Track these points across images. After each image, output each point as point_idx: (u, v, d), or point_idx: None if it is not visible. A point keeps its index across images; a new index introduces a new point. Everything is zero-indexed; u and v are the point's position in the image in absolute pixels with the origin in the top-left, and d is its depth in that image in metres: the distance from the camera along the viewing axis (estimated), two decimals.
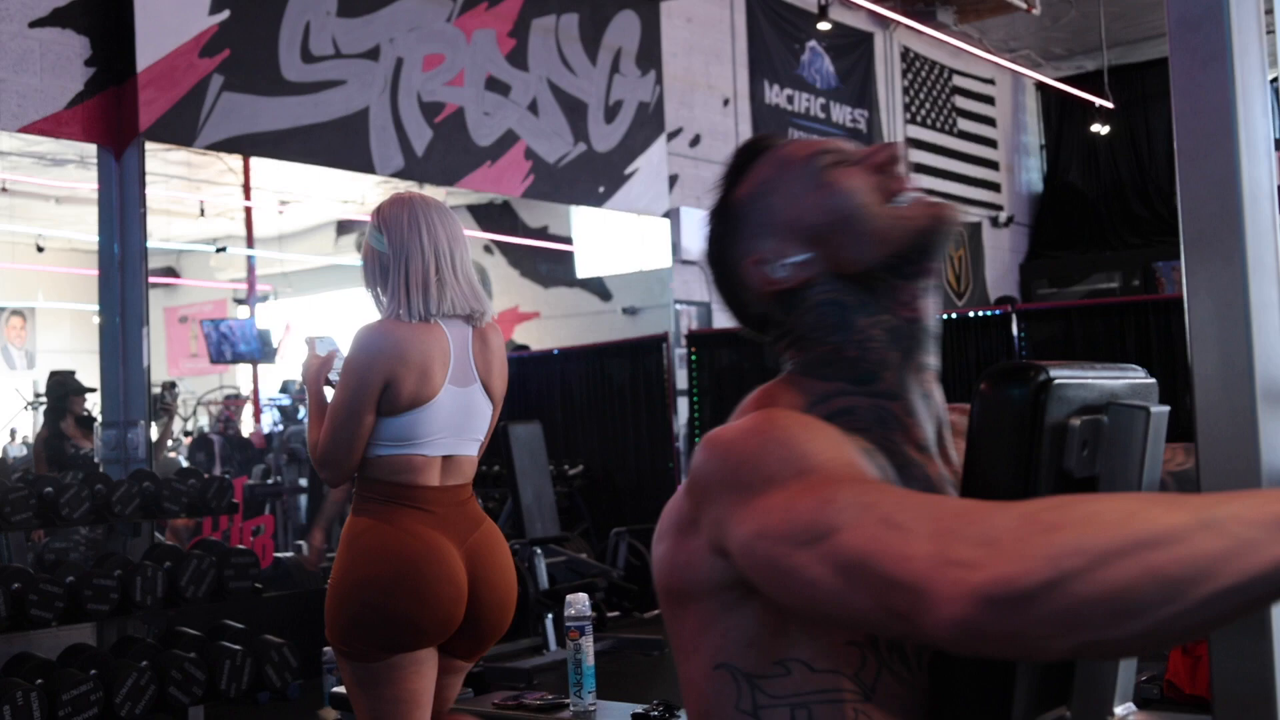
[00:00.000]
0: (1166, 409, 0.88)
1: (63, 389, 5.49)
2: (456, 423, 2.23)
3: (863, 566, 0.72)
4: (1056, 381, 0.82)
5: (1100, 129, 10.96)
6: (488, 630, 2.24)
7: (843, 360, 0.95)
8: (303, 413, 7.94)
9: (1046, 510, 0.67)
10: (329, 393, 2.33)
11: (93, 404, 5.54)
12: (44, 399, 6.18)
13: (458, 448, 2.24)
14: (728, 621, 0.89)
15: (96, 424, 5.25)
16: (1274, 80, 0.83)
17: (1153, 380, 0.93)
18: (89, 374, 5.60)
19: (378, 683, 2.13)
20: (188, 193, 9.04)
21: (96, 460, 5.08)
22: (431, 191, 7.39)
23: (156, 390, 5.58)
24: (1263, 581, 0.61)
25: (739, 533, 0.81)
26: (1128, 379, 0.90)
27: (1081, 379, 0.85)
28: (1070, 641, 0.65)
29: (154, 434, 5.32)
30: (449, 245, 2.22)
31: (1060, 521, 0.66)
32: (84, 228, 7.64)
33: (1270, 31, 0.80)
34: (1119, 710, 0.94)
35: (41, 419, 6.20)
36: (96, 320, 5.26)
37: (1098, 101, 10.69)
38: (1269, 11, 0.80)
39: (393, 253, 2.18)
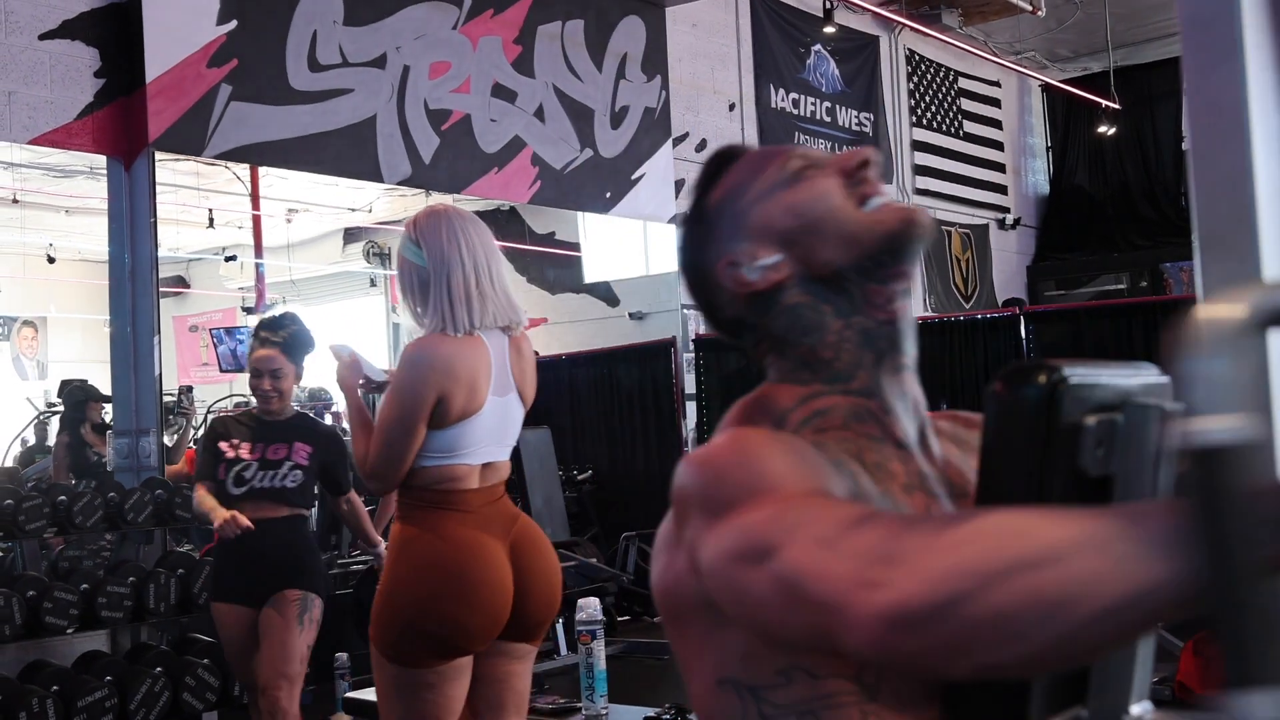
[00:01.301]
0: (1182, 407, 0.88)
1: (82, 394, 5.52)
2: (497, 431, 2.31)
3: (797, 585, 0.73)
4: (1071, 381, 0.82)
5: (1106, 130, 10.94)
6: (544, 610, 2.34)
7: (818, 361, 0.96)
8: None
9: (956, 528, 0.67)
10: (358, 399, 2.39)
11: (105, 413, 5.56)
12: (57, 408, 6.20)
13: (496, 454, 2.32)
14: (723, 636, 0.89)
15: (109, 432, 5.28)
16: None
17: (1167, 379, 0.93)
18: (100, 383, 5.63)
19: (421, 687, 2.19)
20: (196, 202, 9.07)
21: (109, 468, 5.10)
22: (438, 199, 7.42)
23: (171, 397, 5.59)
24: (1132, 605, 0.59)
25: (704, 554, 0.83)
26: (1142, 377, 0.90)
27: (1095, 378, 0.85)
28: (967, 663, 0.64)
29: (169, 440, 5.33)
30: (486, 257, 2.27)
31: (964, 539, 0.66)
32: (94, 238, 7.67)
33: None
34: (1135, 710, 0.94)
35: (56, 427, 6.23)
36: (108, 330, 5.28)
37: (1104, 103, 10.67)
38: None
39: (432, 267, 2.22)
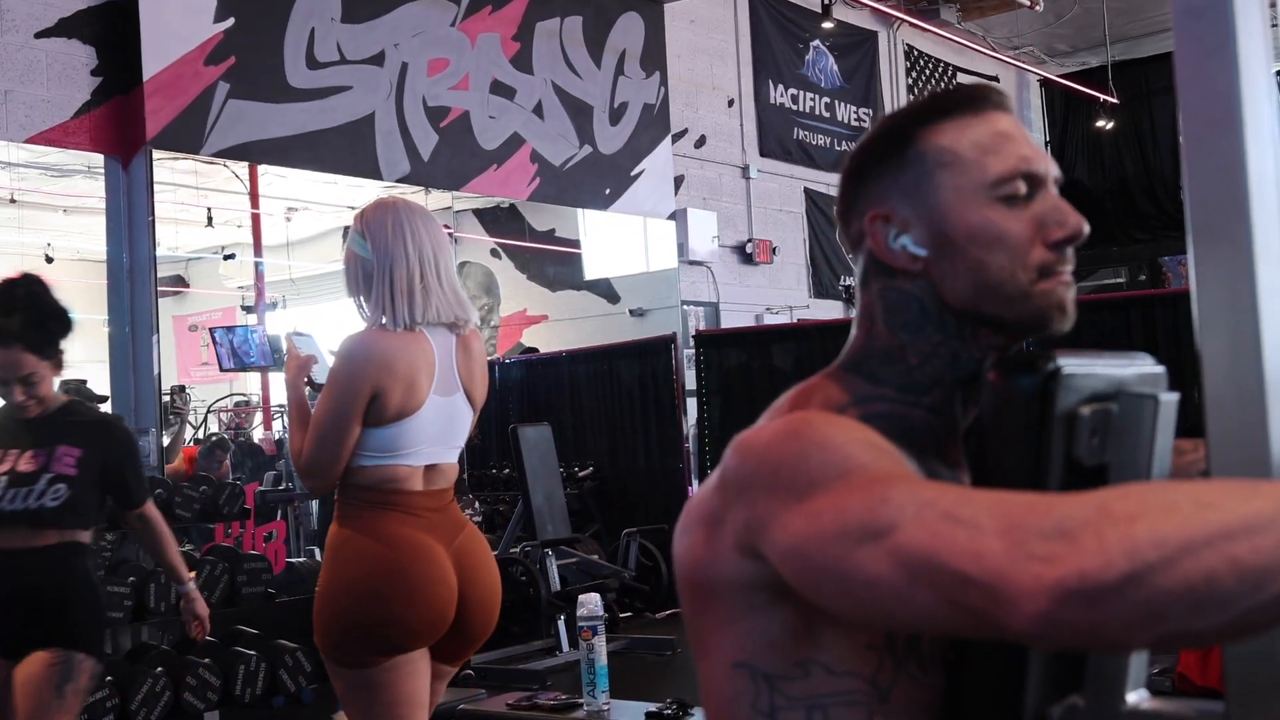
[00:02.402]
0: (1176, 396, 0.89)
1: (79, 397, 5.54)
2: (440, 432, 2.21)
3: (929, 563, 0.71)
4: (1065, 370, 0.82)
5: (1105, 125, 10.94)
6: (476, 631, 2.24)
7: (901, 362, 0.94)
8: None
9: (1120, 500, 0.67)
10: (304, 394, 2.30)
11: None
12: None
13: (441, 456, 2.22)
14: (752, 622, 0.88)
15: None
16: (1278, 71, 0.83)
17: (1162, 368, 0.93)
18: (99, 383, 5.63)
19: (374, 688, 2.11)
20: (195, 201, 9.07)
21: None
22: (438, 196, 7.42)
23: (168, 397, 5.60)
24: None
25: (782, 538, 0.80)
26: (1136, 368, 0.91)
27: (1090, 368, 0.85)
28: (1152, 633, 0.64)
29: (166, 439, 5.33)
30: (433, 251, 2.19)
31: (1136, 512, 0.65)
32: (92, 238, 7.67)
33: (1275, 24, 0.80)
34: (1132, 698, 0.95)
35: None
36: (106, 329, 5.28)
37: (1102, 97, 10.67)
38: (1272, 4, 0.80)
39: (377, 259, 2.15)
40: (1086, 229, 0.91)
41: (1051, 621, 0.65)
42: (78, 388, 5.66)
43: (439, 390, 2.19)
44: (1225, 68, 0.74)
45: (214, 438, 7.77)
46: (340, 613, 2.11)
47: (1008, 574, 0.67)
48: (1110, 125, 10.93)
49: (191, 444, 8.07)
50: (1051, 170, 0.94)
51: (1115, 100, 10.76)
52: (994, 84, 0.97)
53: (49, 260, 9.87)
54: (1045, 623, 0.66)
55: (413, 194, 8.01)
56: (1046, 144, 12.31)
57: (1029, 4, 9.50)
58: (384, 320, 2.15)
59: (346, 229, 2.40)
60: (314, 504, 7.02)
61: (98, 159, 5.26)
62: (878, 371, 0.95)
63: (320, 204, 9.52)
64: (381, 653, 2.10)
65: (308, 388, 2.33)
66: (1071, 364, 0.83)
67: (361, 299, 2.20)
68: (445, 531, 2.19)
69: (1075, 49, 11.45)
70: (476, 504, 6.31)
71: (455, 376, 2.23)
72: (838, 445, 0.82)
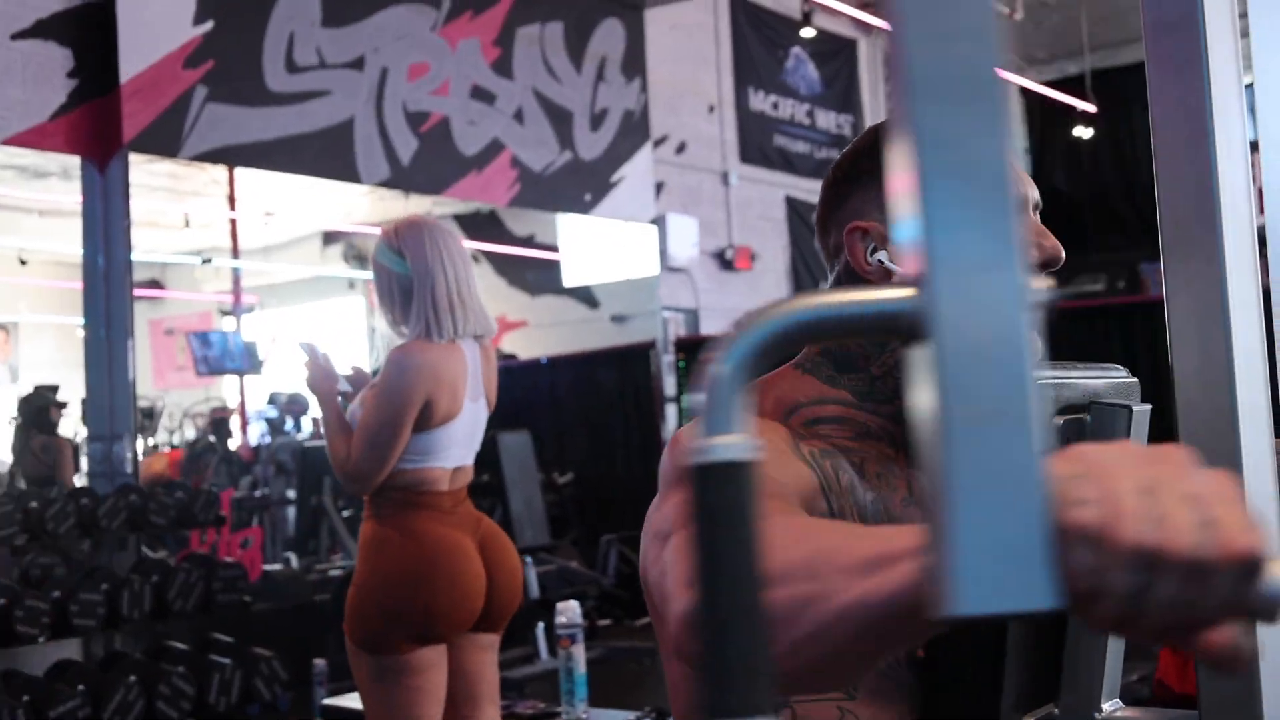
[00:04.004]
0: (1148, 407, 0.89)
1: (41, 400, 5.54)
2: (469, 436, 2.41)
3: (665, 572, 0.76)
4: (1039, 381, 0.82)
5: (1083, 132, 11.02)
6: (508, 602, 2.46)
7: (863, 371, 0.95)
8: (290, 424, 7.91)
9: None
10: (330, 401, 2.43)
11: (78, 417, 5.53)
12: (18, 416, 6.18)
13: (466, 459, 2.43)
14: None
15: (82, 438, 5.24)
16: (1249, 84, 0.84)
17: (1134, 379, 0.94)
18: (74, 388, 5.59)
19: (401, 673, 2.27)
20: (172, 204, 9.02)
21: (52, 473, 5.06)
22: (418, 201, 7.40)
23: (147, 401, 5.59)
24: (830, 632, 0.56)
25: (645, 528, 0.87)
26: (1109, 378, 0.91)
27: (1064, 379, 0.85)
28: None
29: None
30: (465, 268, 2.37)
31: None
32: (67, 240, 7.62)
33: (1245, 35, 0.81)
34: (1107, 707, 0.95)
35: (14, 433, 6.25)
36: (81, 334, 5.24)
37: (1080, 105, 10.75)
38: (1243, 15, 0.81)
39: (416, 276, 2.31)
40: (1062, 255, 0.92)
41: (678, 648, 0.66)
42: (42, 394, 5.64)
43: (471, 396, 2.38)
44: (1196, 83, 0.75)
45: (201, 444, 7.71)
46: (381, 603, 2.28)
47: (673, 593, 0.70)
48: (1089, 133, 11.01)
49: (177, 448, 8.01)
50: (1031, 194, 0.96)
51: (1093, 108, 10.84)
52: None
53: (23, 263, 9.78)
54: (678, 646, 0.67)
55: (392, 199, 7.99)
56: (1026, 151, 12.38)
57: (1008, 12, 9.56)
58: (429, 334, 2.32)
59: (325, 234, 2.49)
60: (290, 510, 6.98)
61: (74, 161, 5.22)
62: (838, 376, 0.96)
63: (298, 207, 9.48)
64: (416, 640, 2.28)
65: (343, 399, 2.46)
66: (1045, 375, 0.83)
67: (397, 312, 2.36)
68: (469, 526, 2.40)
69: (1054, 56, 11.54)
70: None
71: (480, 384, 2.43)
72: None
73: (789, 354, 0.99)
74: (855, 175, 0.97)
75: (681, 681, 0.94)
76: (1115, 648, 0.93)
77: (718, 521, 0.51)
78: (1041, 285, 0.93)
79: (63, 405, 5.44)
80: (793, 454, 0.89)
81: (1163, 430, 0.96)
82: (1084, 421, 0.85)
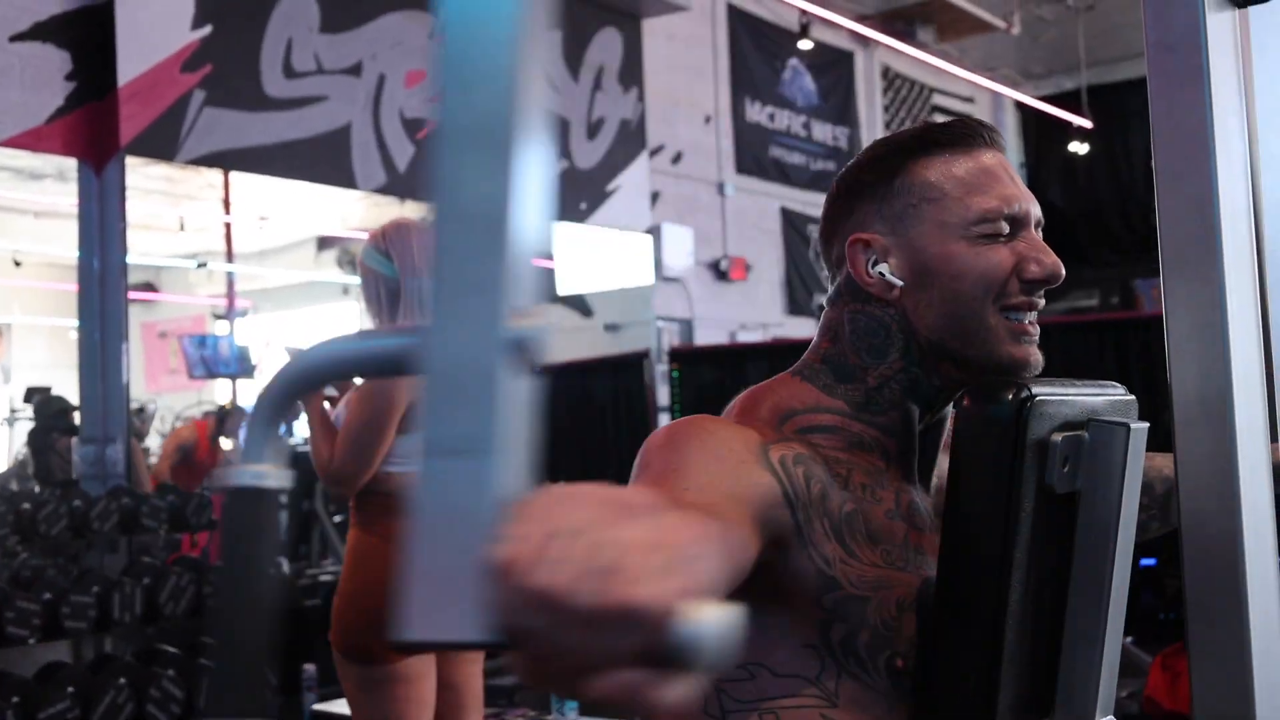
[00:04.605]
0: (1146, 425, 0.89)
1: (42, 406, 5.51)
2: None
3: None
4: (1038, 398, 0.83)
5: (1079, 148, 11.05)
6: None
7: (860, 382, 0.96)
8: (283, 429, 7.87)
9: None
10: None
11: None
12: (20, 414, 6.16)
13: None
14: None
15: (74, 440, 5.22)
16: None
17: (1132, 397, 0.94)
18: (67, 389, 5.57)
19: (389, 683, 2.25)
20: (167, 208, 9.01)
21: (74, 476, 5.05)
22: (414, 207, 7.39)
23: (137, 403, 5.57)
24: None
25: None
26: (1108, 396, 0.91)
27: (1063, 396, 0.86)
28: None
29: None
30: None
31: None
32: (62, 243, 7.60)
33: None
34: None
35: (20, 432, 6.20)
36: (74, 335, 5.23)
37: (1076, 120, 10.79)
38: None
39: (404, 278, 2.29)
40: (1062, 272, 0.93)
41: None
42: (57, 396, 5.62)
43: None
44: (1198, 102, 0.75)
45: (224, 409, 7.59)
46: (367, 613, 2.25)
47: None
48: (1084, 148, 11.05)
49: (210, 414, 7.91)
50: (1034, 212, 0.96)
51: (1089, 124, 10.88)
52: (986, 122, 0.98)
53: (17, 264, 9.76)
54: None
55: (388, 205, 7.99)
56: (1022, 166, 12.42)
57: (1005, 26, 9.60)
58: None
59: (320, 239, 2.48)
60: (283, 515, 6.95)
61: (70, 164, 5.21)
62: (835, 385, 0.97)
63: (294, 212, 9.47)
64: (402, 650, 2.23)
65: (325, 401, 2.44)
66: (1044, 391, 0.84)
67: (384, 313, 2.33)
68: None
69: (1051, 72, 11.58)
70: None
71: None
72: (679, 452, 0.85)
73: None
74: (858, 189, 0.98)
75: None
76: (1110, 663, 0.93)
77: (238, 536, 0.55)
78: (1036, 307, 0.95)
79: (74, 408, 5.43)
80: (757, 462, 0.88)
81: (1156, 447, 0.96)
82: (1082, 438, 0.85)
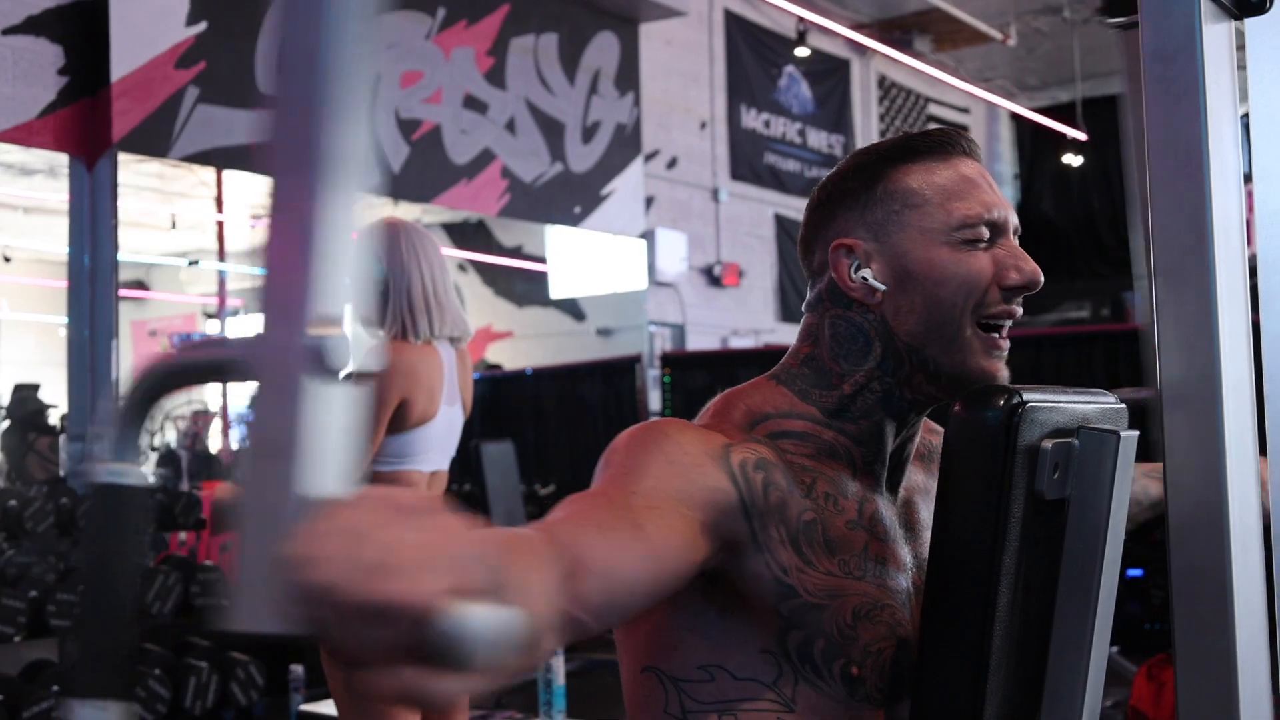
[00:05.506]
0: (1136, 434, 0.90)
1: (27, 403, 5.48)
2: (445, 440, 2.39)
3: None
4: (1029, 404, 0.83)
5: (1073, 160, 11.10)
6: None
7: (835, 389, 0.97)
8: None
9: None
10: None
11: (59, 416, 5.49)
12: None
13: (442, 464, 2.40)
14: (649, 625, 0.92)
15: (62, 437, 5.21)
16: (1243, 115, 0.85)
17: (1122, 405, 0.94)
18: (55, 387, 5.55)
19: None
20: (159, 205, 8.99)
21: (62, 473, 5.03)
22: (407, 208, 7.39)
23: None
24: None
25: None
26: (1098, 404, 0.92)
27: (1053, 403, 0.86)
28: None
29: None
30: (440, 271, 2.36)
31: None
32: (52, 239, 7.57)
33: (1241, 68, 0.82)
34: None
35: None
36: (63, 333, 5.21)
37: (1070, 132, 10.83)
38: (1240, 48, 0.82)
39: (392, 276, 2.31)
40: (1041, 279, 0.95)
41: None
42: (33, 392, 5.59)
43: (447, 400, 2.37)
44: (1192, 114, 0.75)
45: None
46: None
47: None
48: (1078, 160, 11.09)
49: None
50: (1012, 219, 0.98)
51: (1083, 136, 10.92)
52: (963, 131, 0.99)
53: (7, 260, 9.72)
54: None
55: (381, 206, 7.97)
56: (1016, 177, 12.46)
57: (1001, 38, 9.63)
58: (405, 334, 2.31)
59: None
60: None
61: (61, 159, 5.19)
62: (810, 391, 0.97)
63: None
64: None
65: None
66: (1035, 398, 0.84)
67: (372, 313, 2.35)
68: None
69: (1045, 83, 11.63)
70: None
71: (456, 388, 2.41)
72: (639, 455, 0.86)
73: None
74: (840, 196, 0.99)
75: (637, 684, 0.94)
76: (1096, 672, 0.93)
77: (101, 532, 0.60)
78: (1013, 316, 0.96)
79: (50, 406, 5.40)
80: (715, 466, 0.89)
81: (1143, 457, 0.96)
82: (1072, 446, 0.86)
